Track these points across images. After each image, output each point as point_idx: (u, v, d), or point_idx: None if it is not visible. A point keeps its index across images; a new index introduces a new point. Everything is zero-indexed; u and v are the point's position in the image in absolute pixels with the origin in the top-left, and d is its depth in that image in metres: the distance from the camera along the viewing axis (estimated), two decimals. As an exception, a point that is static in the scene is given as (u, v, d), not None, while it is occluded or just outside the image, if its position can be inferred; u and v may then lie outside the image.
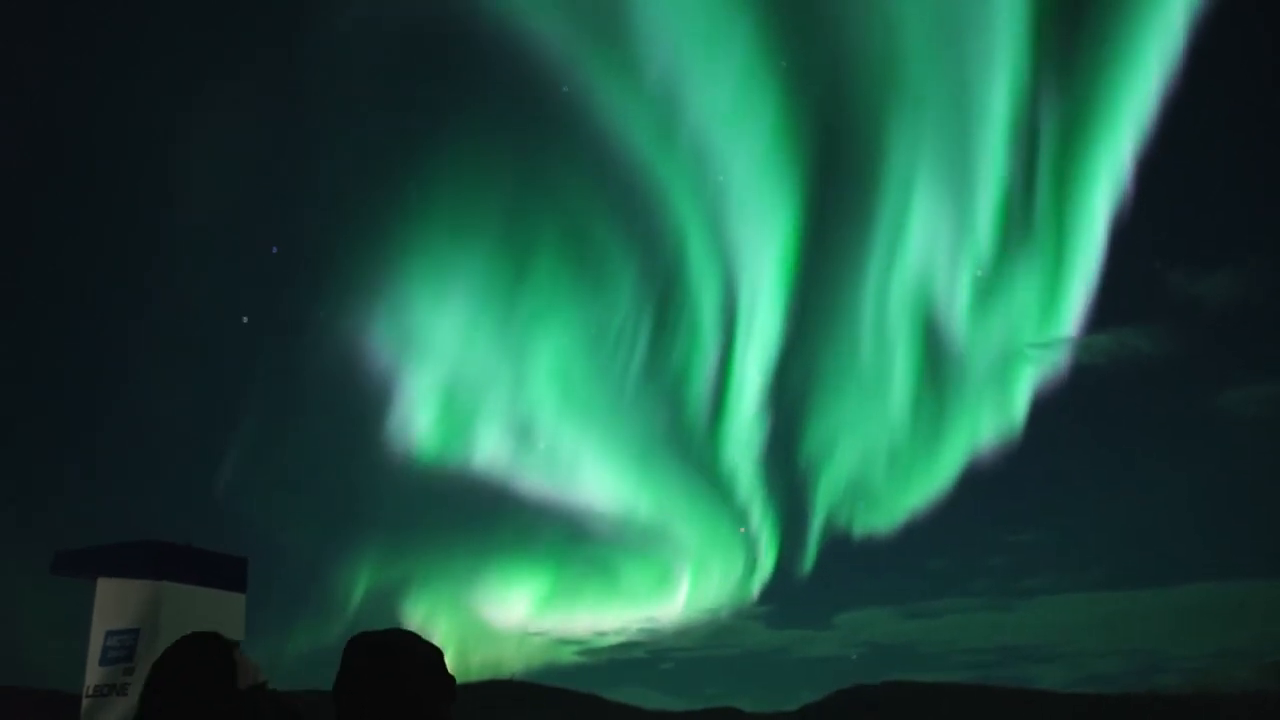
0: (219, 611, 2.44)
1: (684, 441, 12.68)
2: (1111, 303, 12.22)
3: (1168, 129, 10.24)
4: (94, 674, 2.56)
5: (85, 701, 2.57)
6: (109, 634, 2.58)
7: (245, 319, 10.42)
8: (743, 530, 12.71)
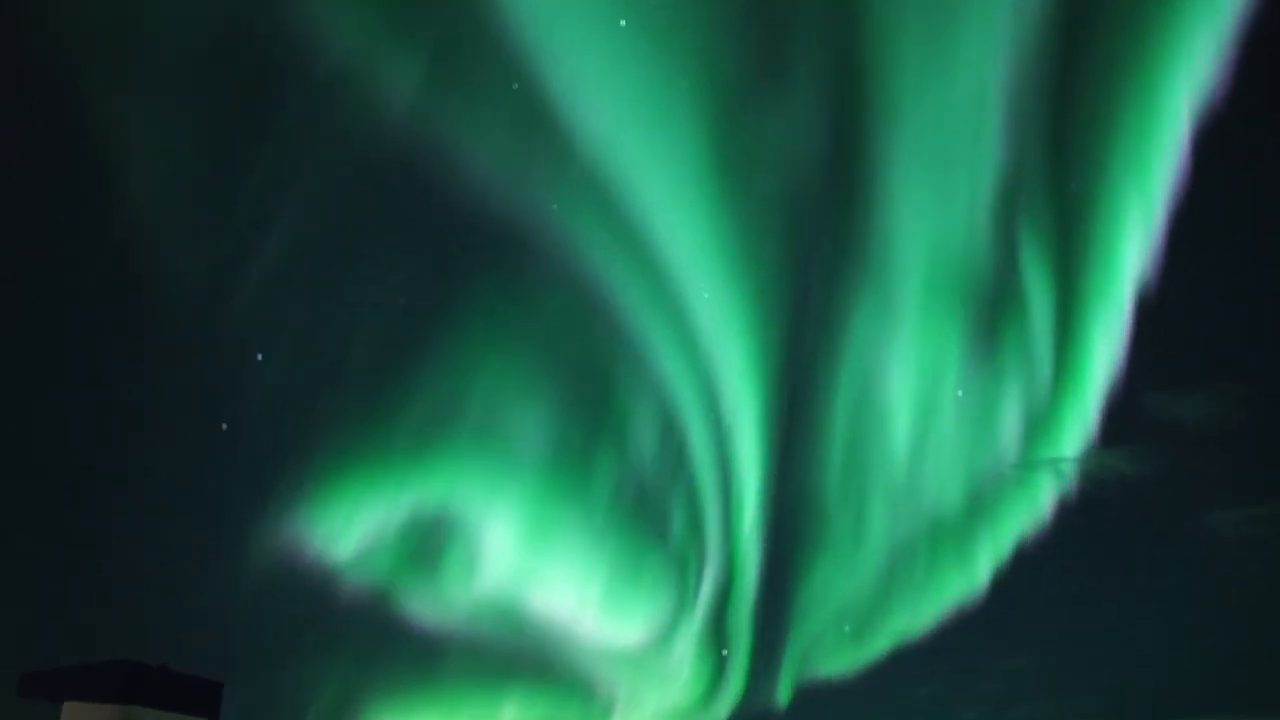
0: (189, 739, 2.31)
1: (665, 558, 12.35)
2: (1094, 425, 12.35)
3: (1169, 257, 10.51)
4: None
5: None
6: (70, 763, 2.43)
7: (224, 426, 10.36)
8: (724, 653, 12.31)
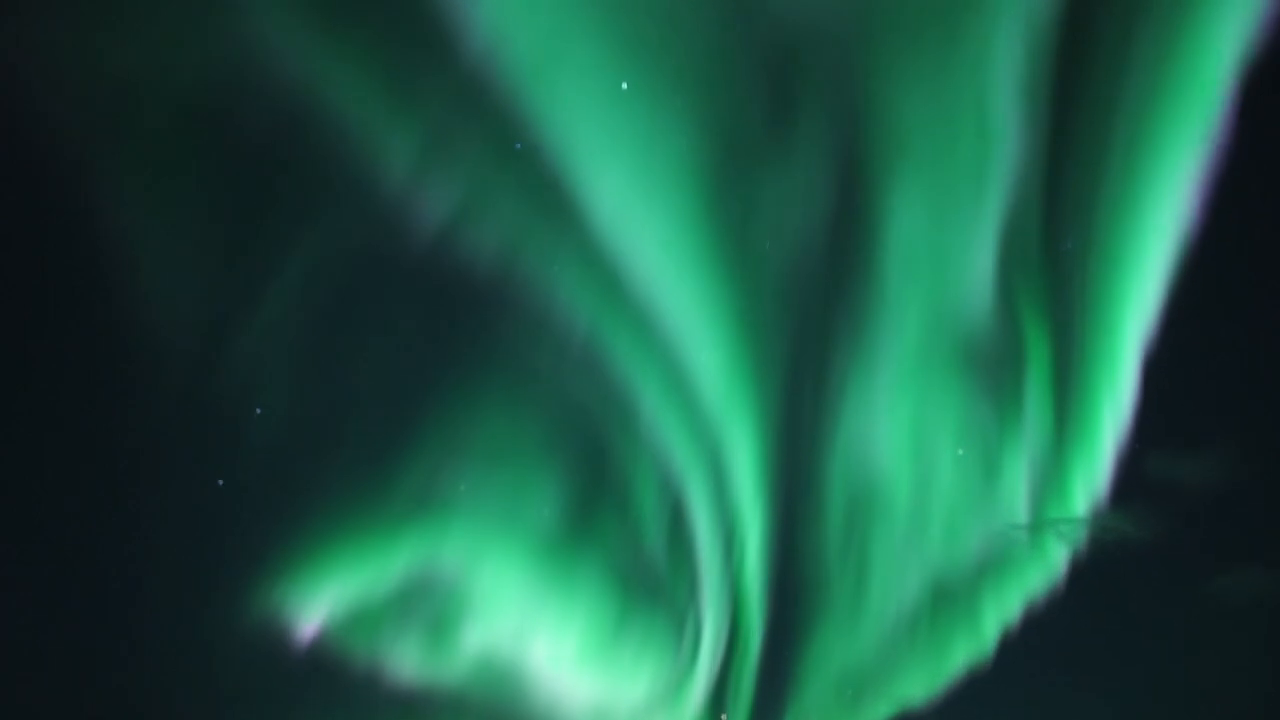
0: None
1: (664, 621, 11.97)
2: (1098, 486, 12.16)
3: (1170, 321, 10.48)
4: None
5: None
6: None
7: (220, 481, 10.16)
8: (723, 718, 11.89)
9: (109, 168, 9.62)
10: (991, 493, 12.84)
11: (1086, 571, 13.63)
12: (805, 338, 12.20)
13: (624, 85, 10.28)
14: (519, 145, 10.31)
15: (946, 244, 11.46)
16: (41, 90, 9.20)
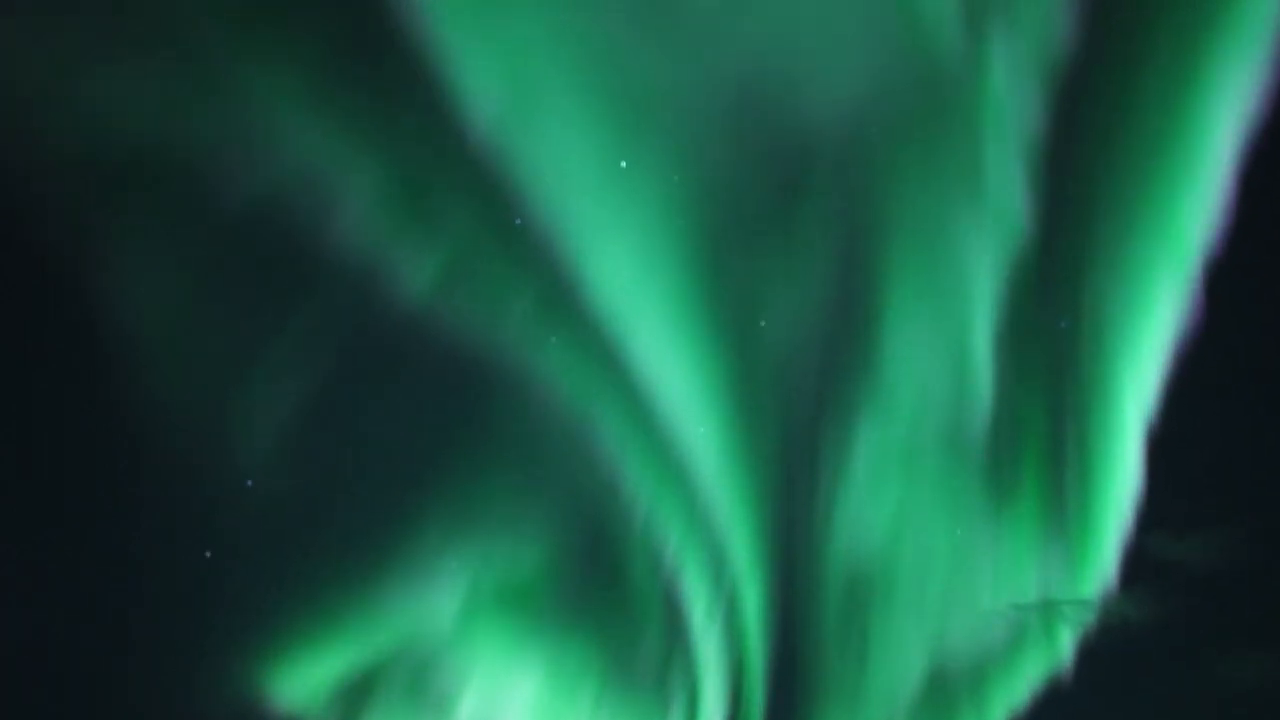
0: None
1: (659, 708, 11.56)
2: (1099, 568, 11.91)
3: (1174, 397, 10.44)
4: None
5: None
6: None
7: (208, 554, 9.94)
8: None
9: (99, 242, 9.71)
10: (992, 574, 12.64)
11: (1094, 655, 13.37)
12: (802, 416, 12.18)
13: (623, 164, 10.43)
14: (519, 221, 10.41)
15: (943, 324, 11.50)
16: (32, 166, 9.33)
